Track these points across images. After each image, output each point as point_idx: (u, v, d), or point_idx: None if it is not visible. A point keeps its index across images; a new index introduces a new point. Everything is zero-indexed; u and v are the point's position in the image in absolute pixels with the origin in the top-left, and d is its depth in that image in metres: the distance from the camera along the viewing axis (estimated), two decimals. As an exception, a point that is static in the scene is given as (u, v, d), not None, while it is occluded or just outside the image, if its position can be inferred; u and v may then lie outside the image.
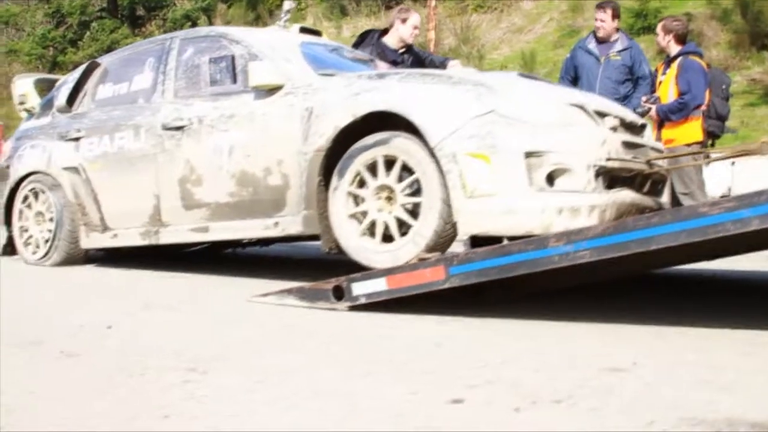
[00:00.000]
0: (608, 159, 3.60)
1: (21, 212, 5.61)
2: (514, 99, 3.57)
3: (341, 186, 3.86)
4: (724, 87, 6.76)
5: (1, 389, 2.29)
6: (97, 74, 5.50)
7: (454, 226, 3.54)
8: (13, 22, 23.37)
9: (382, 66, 5.23)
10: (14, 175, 5.69)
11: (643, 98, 6.17)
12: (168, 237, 4.75)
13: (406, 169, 3.68)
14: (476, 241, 4.15)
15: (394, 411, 2.06)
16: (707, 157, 5.61)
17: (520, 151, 3.44)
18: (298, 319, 3.32)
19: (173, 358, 2.64)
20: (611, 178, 3.65)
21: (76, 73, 5.71)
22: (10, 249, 5.72)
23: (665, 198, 4.22)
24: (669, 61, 6.37)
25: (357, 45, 5.73)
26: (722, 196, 6.99)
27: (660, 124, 6.25)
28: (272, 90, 4.27)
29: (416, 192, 3.66)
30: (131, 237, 4.95)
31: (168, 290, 4.26)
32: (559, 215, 3.41)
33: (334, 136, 3.90)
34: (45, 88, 6.24)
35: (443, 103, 3.64)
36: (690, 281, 4.72)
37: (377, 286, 3.38)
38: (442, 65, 5.59)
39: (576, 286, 3.73)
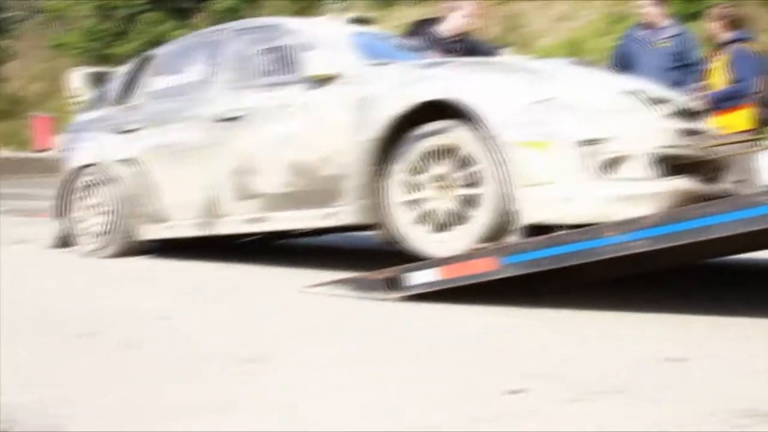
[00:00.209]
0: (665, 146, 3.57)
1: (76, 205, 5.70)
2: (571, 86, 3.57)
3: (397, 174, 3.88)
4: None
5: (61, 379, 2.35)
6: (150, 67, 5.57)
7: (510, 215, 3.53)
8: (60, 16, 23.72)
9: (435, 55, 5.22)
10: (68, 167, 5.79)
11: (693, 86, 6.07)
12: (223, 227, 4.79)
13: (463, 159, 3.69)
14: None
15: (451, 400, 2.08)
16: (761, 144, 5.51)
17: (578, 139, 3.44)
18: (351, 310, 3.35)
19: (230, 348, 2.69)
20: (669, 165, 3.62)
21: (130, 66, 5.79)
22: (63, 241, 5.81)
23: (726, 185, 4.15)
24: (719, 47, 6.27)
25: (410, 34, 5.71)
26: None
27: (711, 111, 6.15)
28: (327, 80, 4.28)
29: (473, 181, 3.66)
30: (186, 228, 5.01)
31: (221, 281, 4.31)
32: (619, 203, 3.40)
33: (389, 125, 3.91)
34: (98, 81, 6.32)
35: (500, 92, 3.65)
36: (744, 270, 4.64)
37: (430, 276, 3.38)
38: (495, 53, 5.56)
39: (626, 276, 3.70)
